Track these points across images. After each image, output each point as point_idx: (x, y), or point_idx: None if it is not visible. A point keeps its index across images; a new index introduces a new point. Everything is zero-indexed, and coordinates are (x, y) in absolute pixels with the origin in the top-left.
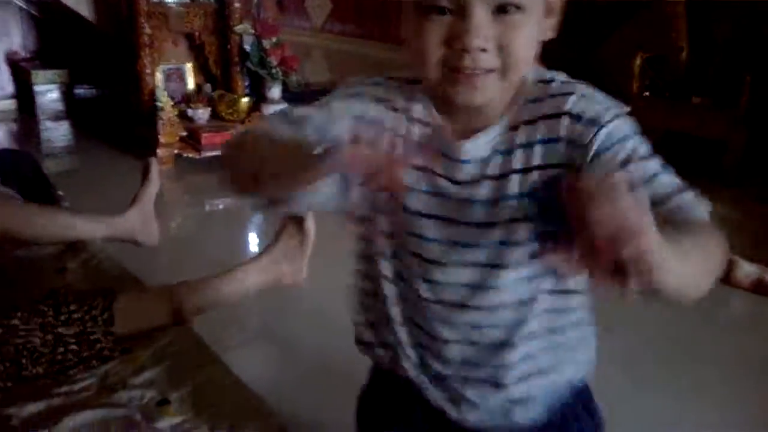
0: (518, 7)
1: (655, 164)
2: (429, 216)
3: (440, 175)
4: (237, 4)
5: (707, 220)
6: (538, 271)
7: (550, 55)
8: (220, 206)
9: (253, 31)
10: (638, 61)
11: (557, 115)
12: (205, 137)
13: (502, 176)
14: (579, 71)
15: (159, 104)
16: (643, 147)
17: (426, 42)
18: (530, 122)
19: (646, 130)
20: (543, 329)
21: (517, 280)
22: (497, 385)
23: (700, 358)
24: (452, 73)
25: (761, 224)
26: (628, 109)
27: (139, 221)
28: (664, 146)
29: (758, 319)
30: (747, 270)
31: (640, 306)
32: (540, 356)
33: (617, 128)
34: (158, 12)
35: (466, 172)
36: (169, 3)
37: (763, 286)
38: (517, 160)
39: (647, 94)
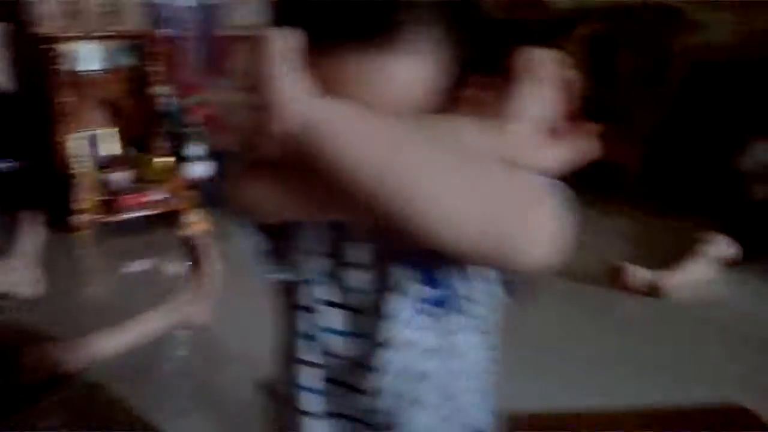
0: None
1: None
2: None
3: None
4: (156, 68)
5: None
6: (427, 341)
7: None
8: (140, 269)
9: (172, 92)
10: None
11: None
12: (125, 200)
13: None
14: None
15: (76, 171)
16: None
17: None
18: None
19: None
20: (437, 402)
21: (405, 352)
22: None
23: (587, 358)
24: None
25: (658, 235)
26: None
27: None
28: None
29: (645, 321)
30: (639, 274)
31: (528, 308)
32: (434, 427)
33: None
34: (76, 79)
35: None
36: (87, 70)
37: (655, 289)
38: None
39: None
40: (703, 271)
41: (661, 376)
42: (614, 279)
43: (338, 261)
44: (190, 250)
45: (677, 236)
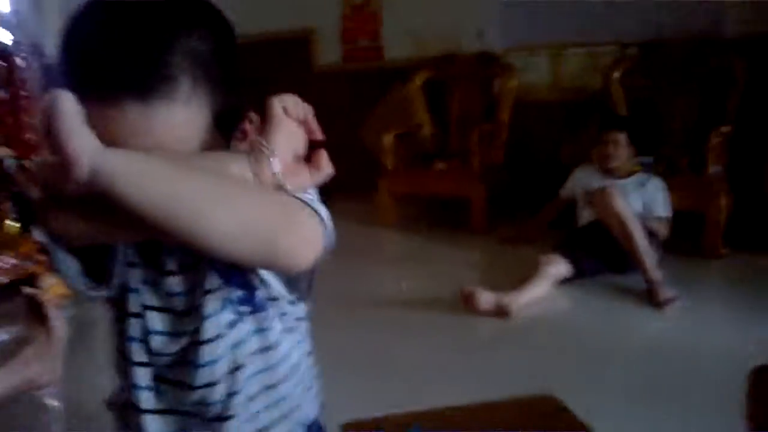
0: None
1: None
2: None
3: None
4: None
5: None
6: (241, 336)
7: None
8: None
9: (12, 154)
10: (388, 139)
11: None
12: None
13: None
14: (346, 152)
15: None
16: None
17: None
18: None
19: (404, 197)
20: (259, 391)
21: (223, 348)
22: None
23: (448, 380)
24: None
25: (504, 261)
26: None
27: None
28: (425, 210)
29: (498, 340)
30: (487, 297)
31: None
32: (262, 416)
33: None
34: None
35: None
36: None
37: (500, 309)
38: None
39: (401, 166)
40: (543, 289)
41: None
42: (465, 303)
43: (156, 270)
44: (34, 308)
45: (521, 261)
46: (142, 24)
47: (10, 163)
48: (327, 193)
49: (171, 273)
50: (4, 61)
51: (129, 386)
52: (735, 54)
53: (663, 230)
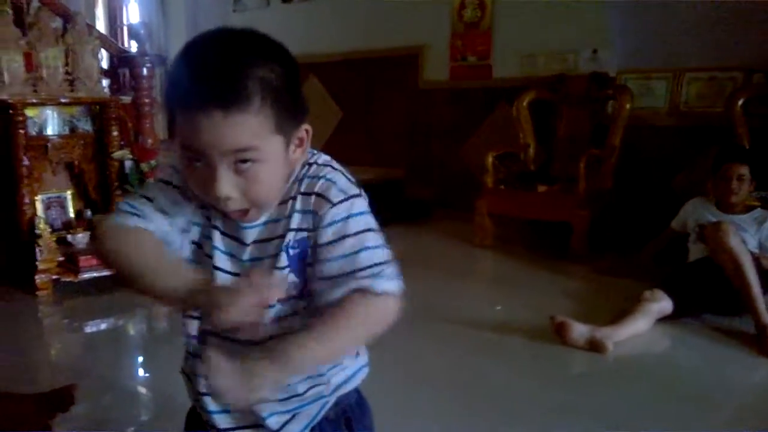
0: (254, 161)
1: (367, 239)
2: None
3: (233, 238)
4: (115, 133)
5: (378, 292)
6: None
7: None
8: (102, 327)
9: (131, 156)
10: (490, 159)
11: (310, 194)
12: (84, 260)
13: (274, 238)
14: (448, 169)
15: (37, 232)
16: (362, 223)
17: (193, 185)
18: (293, 198)
19: (502, 218)
20: None
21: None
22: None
23: (530, 411)
24: (218, 207)
25: (604, 293)
26: (358, 191)
27: None
28: (524, 233)
29: (589, 375)
30: (581, 330)
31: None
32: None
33: (343, 208)
34: (38, 144)
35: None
36: (48, 135)
37: (594, 344)
38: (283, 226)
39: (501, 186)
40: (643, 326)
41: (601, 426)
42: (557, 333)
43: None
44: None
45: (622, 293)
46: (231, 55)
47: (129, 165)
48: (427, 210)
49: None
50: (130, 69)
51: (188, 337)
52: None
53: None
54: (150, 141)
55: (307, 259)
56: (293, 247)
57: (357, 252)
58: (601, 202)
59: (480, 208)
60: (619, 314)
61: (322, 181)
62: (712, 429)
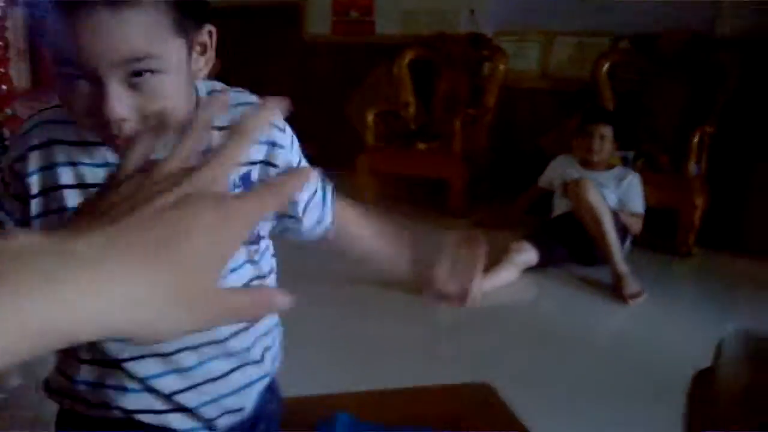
0: (152, 71)
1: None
2: None
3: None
4: None
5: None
6: (235, 264)
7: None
8: None
9: None
10: (370, 117)
11: None
12: None
13: None
14: (330, 126)
15: None
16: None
17: (74, 110)
18: (226, 128)
19: (384, 176)
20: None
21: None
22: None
23: (399, 362)
24: (109, 135)
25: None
26: None
27: None
28: (404, 190)
29: (456, 325)
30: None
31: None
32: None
33: (290, 133)
34: None
35: None
36: None
37: (460, 293)
38: None
39: (382, 144)
40: (509, 275)
41: (468, 371)
42: (425, 286)
43: None
44: None
45: (493, 246)
46: None
47: None
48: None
49: None
50: None
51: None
52: (726, 53)
53: (636, 226)
54: (4, 87)
55: None
56: (236, 186)
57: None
58: (477, 160)
59: (361, 165)
60: (487, 265)
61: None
62: (568, 371)
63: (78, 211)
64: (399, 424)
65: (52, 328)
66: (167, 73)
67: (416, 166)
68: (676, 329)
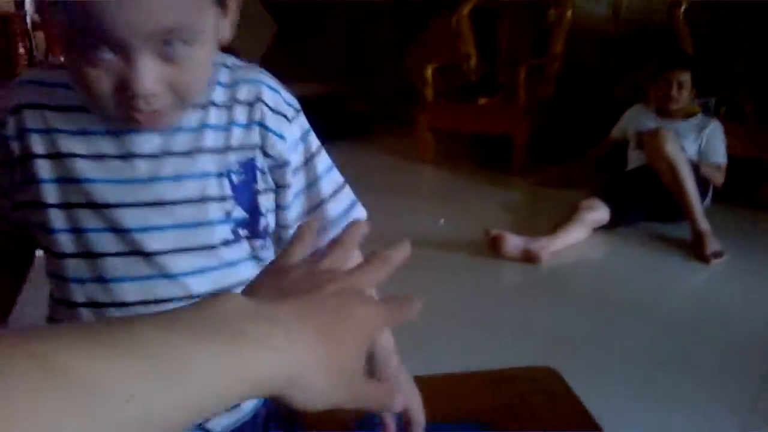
0: (185, 41)
1: (326, 159)
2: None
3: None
4: (21, 50)
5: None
6: (234, 258)
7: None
8: None
9: None
10: (429, 71)
11: (253, 103)
12: None
13: (192, 152)
14: (389, 83)
15: None
16: (316, 140)
17: (95, 88)
18: (225, 106)
19: (445, 132)
20: None
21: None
22: None
23: (462, 325)
24: (130, 112)
25: (543, 205)
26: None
27: None
28: (466, 147)
29: (524, 287)
30: (515, 242)
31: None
32: None
33: (302, 124)
34: None
35: (151, 148)
36: None
37: (529, 255)
38: (210, 139)
39: (442, 99)
40: (579, 235)
41: (533, 338)
42: (491, 247)
43: None
44: None
45: (561, 204)
46: None
47: None
48: (368, 125)
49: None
50: None
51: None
52: None
53: (718, 178)
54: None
55: (257, 185)
56: (238, 173)
57: (326, 171)
58: (542, 113)
59: (421, 122)
60: (556, 225)
61: (265, 88)
62: (641, 337)
63: (260, 281)
64: (447, 418)
65: (255, 379)
66: (202, 43)
67: (477, 121)
68: (762, 292)
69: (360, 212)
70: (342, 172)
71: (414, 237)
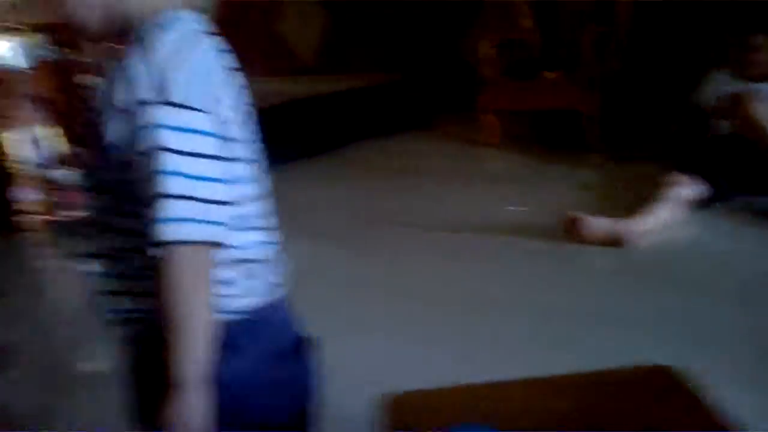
0: None
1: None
2: None
3: None
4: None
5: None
6: None
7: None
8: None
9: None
10: (486, 48)
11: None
12: (74, 197)
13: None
14: (447, 67)
15: (20, 170)
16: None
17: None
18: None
19: (505, 113)
20: None
21: None
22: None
23: (543, 322)
24: None
25: (621, 182)
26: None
27: None
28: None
29: (611, 275)
30: (597, 224)
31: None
32: None
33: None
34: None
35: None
36: (12, 67)
37: (614, 238)
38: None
39: (502, 77)
40: (668, 215)
41: (625, 328)
42: (570, 231)
43: None
44: None
45: (641, 181)
46: None
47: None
48: (429, 113)
49: None
50: None
51: None
52: None
53: None
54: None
55: None
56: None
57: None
58: (611, 86)
59: (483, 105)
60: (641, 203)
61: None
62: (743, 324)
63: None
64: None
65: None
66: None
67: (543, 98)
68: None
69: None
70: (406, 164)
71: (485, 225)
